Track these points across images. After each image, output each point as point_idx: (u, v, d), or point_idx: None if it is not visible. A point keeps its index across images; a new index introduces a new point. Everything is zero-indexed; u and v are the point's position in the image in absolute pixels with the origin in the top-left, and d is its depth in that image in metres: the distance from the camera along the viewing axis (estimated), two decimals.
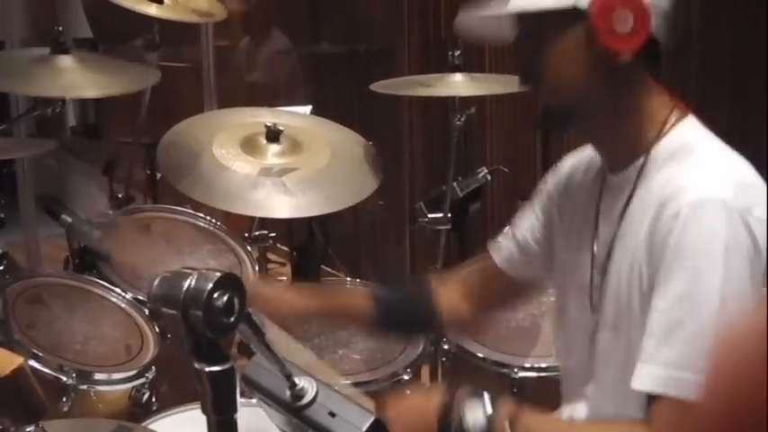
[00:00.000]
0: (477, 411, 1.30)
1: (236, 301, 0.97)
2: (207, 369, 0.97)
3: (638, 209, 1.38)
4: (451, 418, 1.32)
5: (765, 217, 1.29)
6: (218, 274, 0.97)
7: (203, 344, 0.97)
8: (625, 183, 1.42)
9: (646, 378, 1.28)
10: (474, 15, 1.47)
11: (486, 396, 1.33)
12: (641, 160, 1.40)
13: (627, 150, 1.42)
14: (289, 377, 1.07)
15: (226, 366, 0.98)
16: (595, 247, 1.47)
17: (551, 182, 1.63)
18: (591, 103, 1.41)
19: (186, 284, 0.96)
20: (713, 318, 1.24)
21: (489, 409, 1.31)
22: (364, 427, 1.06)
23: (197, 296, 0.95)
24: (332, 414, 1.06)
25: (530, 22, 1.42)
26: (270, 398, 1.12)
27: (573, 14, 1.35)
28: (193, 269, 0.98)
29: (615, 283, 1.40)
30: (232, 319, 0.97)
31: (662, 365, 1.27)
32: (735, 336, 0.63)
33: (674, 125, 1.40)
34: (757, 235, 1.28)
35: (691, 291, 1.26)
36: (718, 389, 0.61)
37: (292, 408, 1.08)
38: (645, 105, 1.41)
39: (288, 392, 1.08)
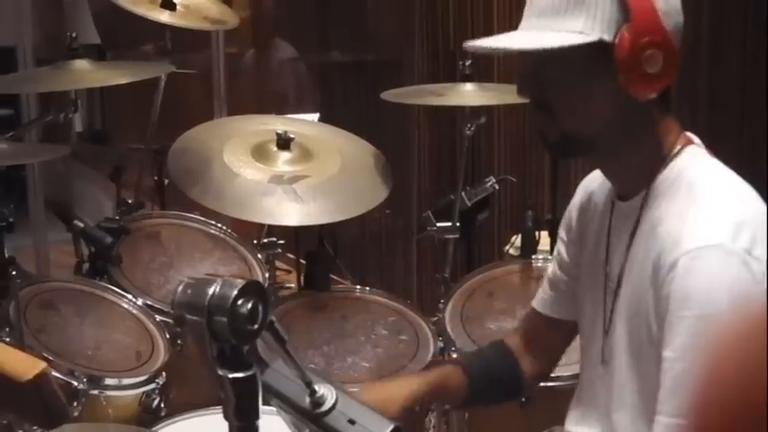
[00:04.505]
0: None
1: (260, 308, 0.98)
2: (230, 376, 0.98)
3: (642, 241, 1.37)
4: None
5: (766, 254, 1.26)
6: (243, 281, 0.97)
7: (226, 351, 0.98)
8: (631, 211, 1.41)
9: (657, 430, 1.28)
10: (488, 46, 1.42)
11: None
12: (645, 191, 1.39)
13: (635, 180, 1.41)
14: (309, 384, 1.08)
15: (249, 373, 0.99)
16: (608, 270, 1.46)
17: (572, 207, 1.62)
18: (606, 136, 1.39)
19: (211, 291, 0.96)
20: None
21: None
22: None
23: (222, 303, 0.95)
24: (351, 422, 1.06)
25: (549, 53, 1.34)
26: (289, 405, 1.12)
27: (597, 48, 1.31)
28: (217, 276, 0.99)
29: (625, 312, 1.40)
30: (256, 326, 0.98)
31: (670, 416, 1.27)
32: (735, 335, 0.63)
33: (676, 154, 1.38)
34: (759, 276, 1.25)
35: (694, 340, 1.24)
36: (718, 390, 0.61)
37: (312, 415, 1.08)
38: (655, 137, 1.39)
39: (307, 399, 1.09)
